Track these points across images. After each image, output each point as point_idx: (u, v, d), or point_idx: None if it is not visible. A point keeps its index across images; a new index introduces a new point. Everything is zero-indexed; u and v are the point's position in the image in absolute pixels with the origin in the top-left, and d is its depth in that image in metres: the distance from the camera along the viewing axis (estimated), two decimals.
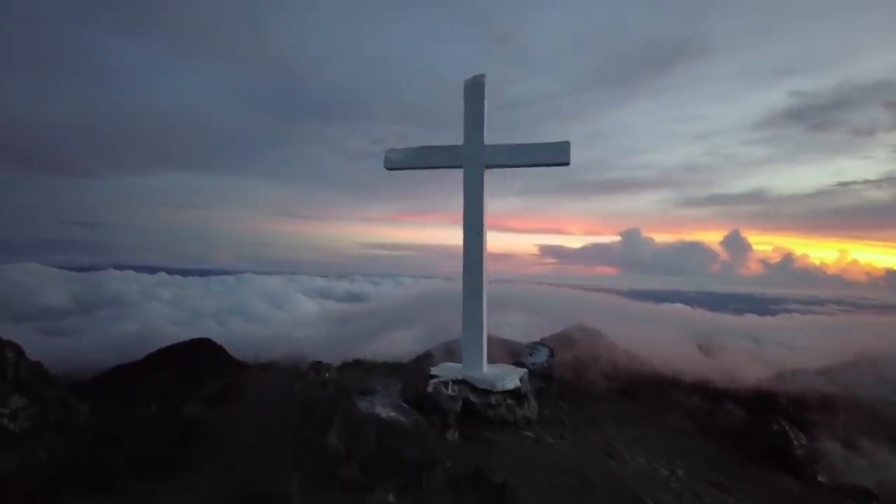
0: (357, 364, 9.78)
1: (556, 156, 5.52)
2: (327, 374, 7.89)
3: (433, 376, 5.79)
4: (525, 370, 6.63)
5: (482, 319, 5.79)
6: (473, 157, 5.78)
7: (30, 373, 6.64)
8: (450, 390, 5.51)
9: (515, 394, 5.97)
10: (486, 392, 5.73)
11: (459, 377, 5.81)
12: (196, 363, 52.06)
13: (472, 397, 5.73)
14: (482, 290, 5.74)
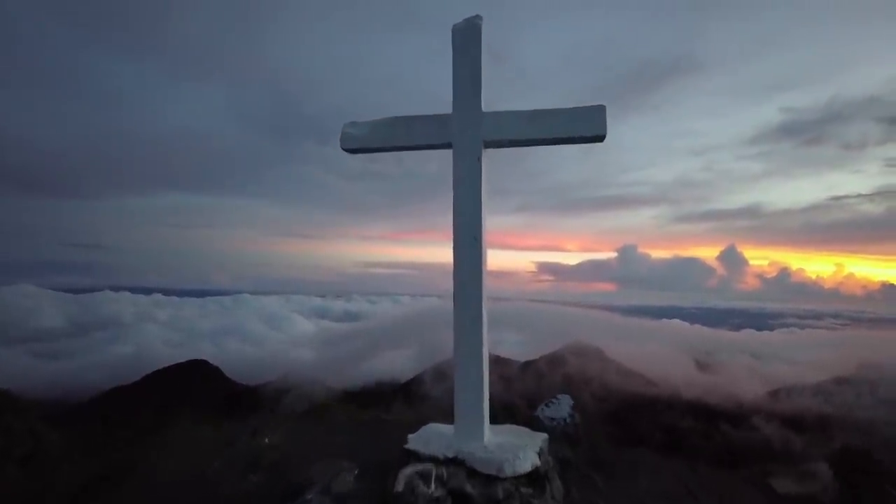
0: (322, 413, 8.19)
1: (586, 126, 3.66)
2: (266, 440, 5.71)
3: (408, 455, 3.85)
4: (544, 437, 4.48)
5: (482, 366, 3.80)
6: (467, 131, 3.87)
7: None
8: (432, 488, 3.65)
9: (533, 477, 3.91)
10: (490, 479, 3.77)
11: (451, 454, 3.85)
12: (192, 385, 51.74)
13: (469, 487, 3.74)
14: (482, 325, 3.76)
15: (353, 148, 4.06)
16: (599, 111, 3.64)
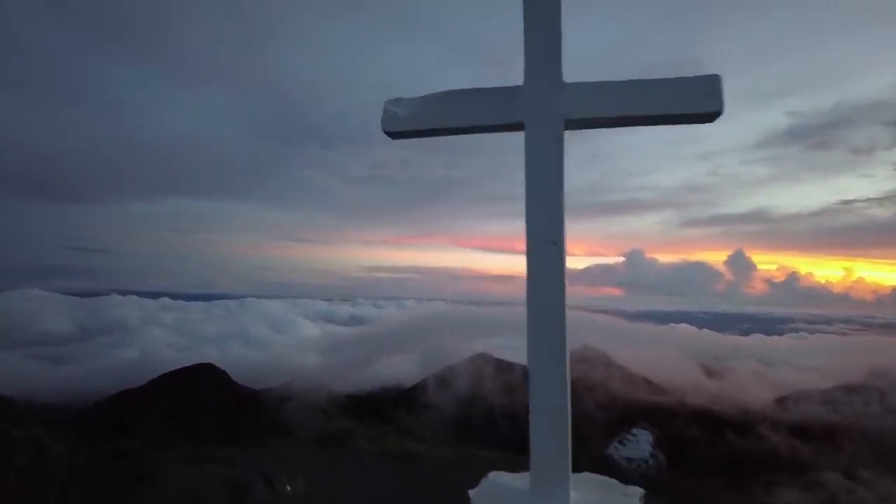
0: (342, 440, 6.77)
1: (697, 100, 2.87)
2: (288, 488, 5.10)
3: None
4: (639, 493, 3.11)
5: (566, 405, 2.84)
6: (544, 106, 3.04)
7: None
8: None
9: None
10: None
11: None
12: (199, 389, 51.93)
13: None
14: (564, 353, 2.84)
15: (397, 130, 3.08)
16: (713, 82, 2.71)
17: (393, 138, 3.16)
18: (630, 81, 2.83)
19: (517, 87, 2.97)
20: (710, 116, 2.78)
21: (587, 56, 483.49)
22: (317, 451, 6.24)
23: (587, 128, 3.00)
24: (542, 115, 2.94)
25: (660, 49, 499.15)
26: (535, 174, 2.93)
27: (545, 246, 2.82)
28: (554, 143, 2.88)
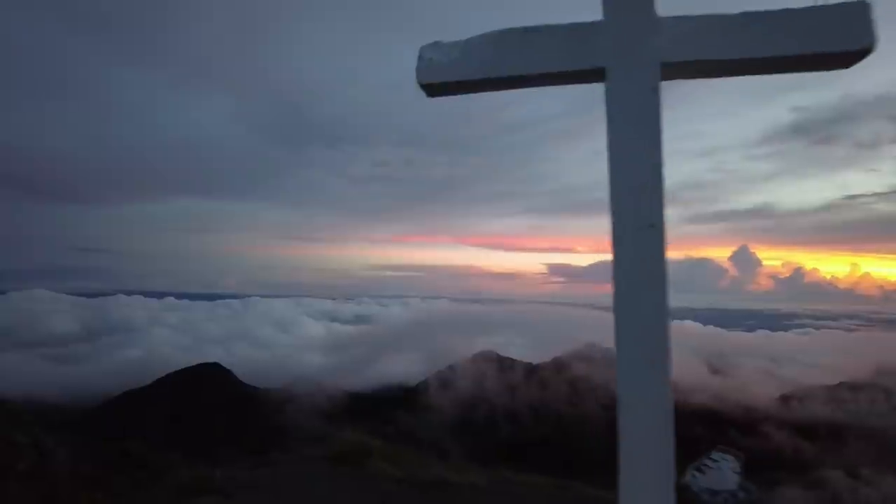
0: (360, 460, 5.86)
1: (841, 36, 1.90)
2: None
3: None
4: None
5: (670, 439, 1.74)
6: (634, 46, 2.08)
7: None
8: None
9: None
10: None
11: None
12: (203, 388, 52.03)
13: None
14: (668, 368, 1.81)
15: (437, 82, 2.18)
16: (862, 10, 1.94)
17: (430, 94, 2.27)
18: (748, 14, 2.05)
19: (596, 23, 2.16)
20: (857, 56, 1.96)
21: None
22: (329, 471, 5.59)
23: (689, 76, 2.18)
24: (631, 57, 2.13)
25: None
26: (623, 137, 2.05)
27: (639, 230, 1.98)
28: (648, 94, 2.06)
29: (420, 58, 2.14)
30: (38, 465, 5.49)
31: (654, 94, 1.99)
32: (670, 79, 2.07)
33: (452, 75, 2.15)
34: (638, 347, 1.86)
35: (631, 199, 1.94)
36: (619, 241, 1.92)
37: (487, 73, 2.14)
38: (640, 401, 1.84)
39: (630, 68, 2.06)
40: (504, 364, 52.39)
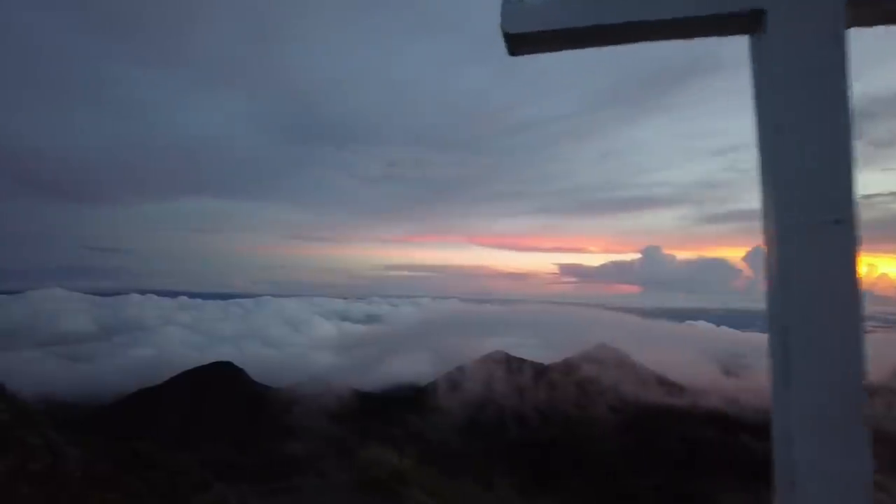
0: (398, 482, 5.60)
1: None
2: None
3: None
4: None
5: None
6: None
7: (11, 415, 5.50)
8: None
9: None
10: None
11: None
12: (216, 388, 52.42)
13: None
14: (862, 400, 1.19)
15: (526, 32, 1.49)
16: None
17: (514, 50, 1.54)
18: None
19: None
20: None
21: (605, 53, 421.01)
22: (370, 495, 5.29)
23: (880, 21, 1.47)
24: None
25: (675, 43, 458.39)
26: (790, 107, 1.40)
27: (820, 227, 1.36)
28: (829, 47, 1.38)
29: (503, 8, 1.53)
30: (51, 465, 5.50)
31: (838, 45, 1.38)
32: (859, 25, 1.43)
33: (549, 23, 1.51)
34: (815, 371, 1.29)
35: (803, 187, 1.39)
36: (785, 240, 1.41)
37: (599, 19, 1.50)
38: (830, 436, 1.24)
39: (801, 10, 1.42)
40: (514, 364, 52.22)
